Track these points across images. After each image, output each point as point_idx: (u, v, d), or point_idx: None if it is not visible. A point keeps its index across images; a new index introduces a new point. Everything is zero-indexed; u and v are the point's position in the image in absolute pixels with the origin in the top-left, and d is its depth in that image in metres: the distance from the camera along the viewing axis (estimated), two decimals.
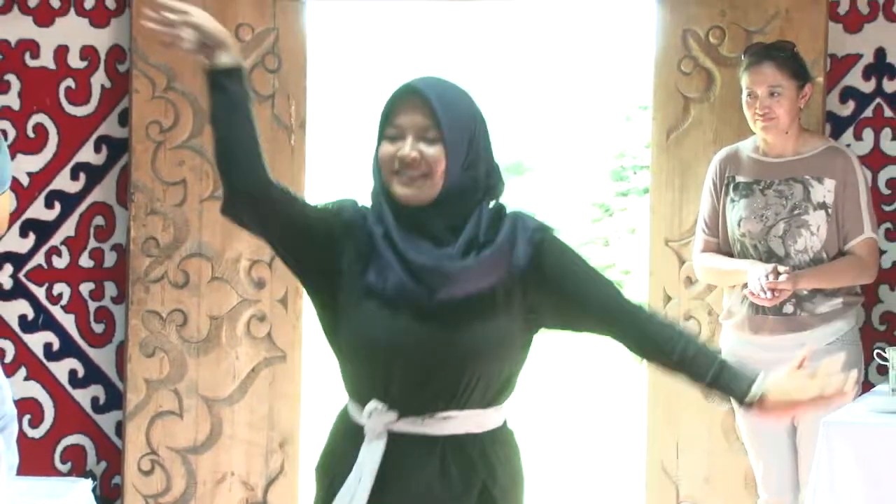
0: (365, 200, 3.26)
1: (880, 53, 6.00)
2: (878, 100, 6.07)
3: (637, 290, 8.24)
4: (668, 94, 6.01)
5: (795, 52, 5.48)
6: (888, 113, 6.04)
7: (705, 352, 3.19)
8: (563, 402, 14.44)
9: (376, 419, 3.14)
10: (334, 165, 22.89)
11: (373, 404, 3.13)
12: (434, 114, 3.09)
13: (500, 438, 3.22)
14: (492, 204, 3.20)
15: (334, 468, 3.21)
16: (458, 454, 3.14)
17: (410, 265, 3.08)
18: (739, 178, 5.47)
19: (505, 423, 3.24)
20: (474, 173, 3.16)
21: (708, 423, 5.88)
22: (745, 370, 3.16)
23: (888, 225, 5.79)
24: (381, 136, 3.15)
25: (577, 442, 11.62)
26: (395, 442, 3.12)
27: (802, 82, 5.41)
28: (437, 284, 3.07)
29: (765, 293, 5.15)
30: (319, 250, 3.18)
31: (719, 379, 3.15)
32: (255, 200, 3.16)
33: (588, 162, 24.70)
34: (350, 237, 3.17)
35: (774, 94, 5.33)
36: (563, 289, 3.20)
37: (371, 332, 3.12)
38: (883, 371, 5.32)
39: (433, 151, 3.10)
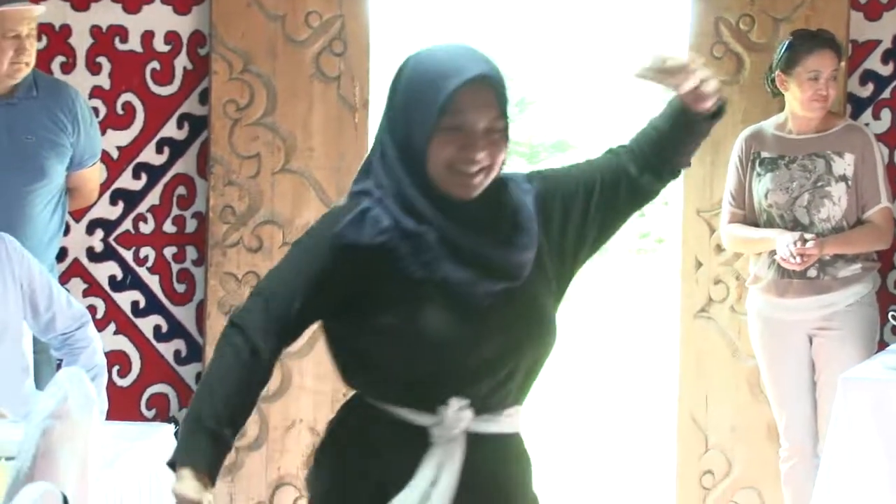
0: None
1: None
2: (895, 82, 6.03)
3: (670, 256, 8.23)
4: None
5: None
6: None
7: (651, 123, 2.97)
8: (600, 360, 14.38)
9: (454, 419, 2.73)
10: None
11: (455, 403, 2.72)
12: (502, 107, 2.70)
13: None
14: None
15: (381, 472, 2.78)
16: (519, 451, 2.90)
17: (482, 260, 2.72)
18: (765, 154, 5.52)
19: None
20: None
21: (735, 378, 5.92)
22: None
23: None
24: (436, 128, 2.64)
25: (614, 397, 11.57)
26: (468, 442, 2.76)
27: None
28: (517, 275, 2.74)
29: (794, 258, 5.16)
30: (343, 297, 2.77)
31: (668, 116, 2.94)
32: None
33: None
34: (367, 261, 2.73)
35: (835, 78, 5.35)
36: (578, 195, 2.89)
37: (450, 332, 2.72)
38: None
39: (499, 147, 2.71)
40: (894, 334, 5.64)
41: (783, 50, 5.38)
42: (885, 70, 6.10)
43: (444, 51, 2.76)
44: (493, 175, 2.70)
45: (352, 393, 2.87)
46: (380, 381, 2.79)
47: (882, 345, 5.60)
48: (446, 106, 2.62)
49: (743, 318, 5.84)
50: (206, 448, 2.61)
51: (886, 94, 6.09)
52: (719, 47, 6.04)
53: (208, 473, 2.59)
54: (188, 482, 2.56)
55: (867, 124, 5.84)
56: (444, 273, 2.69)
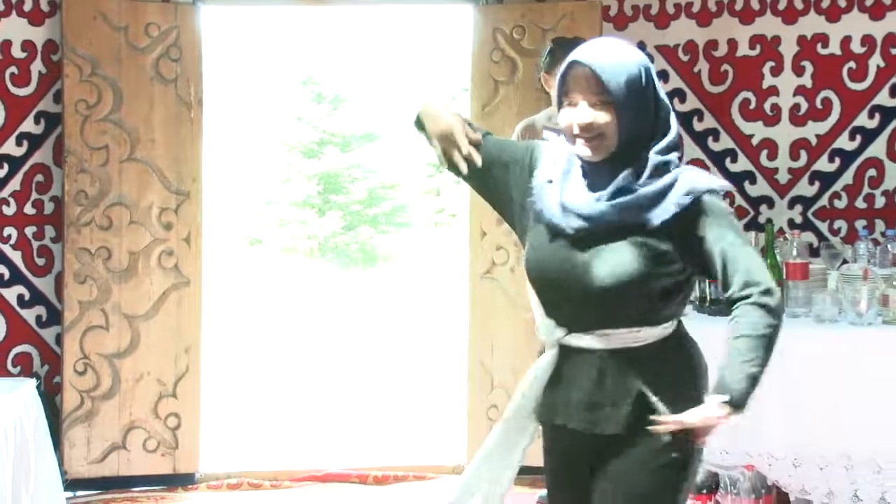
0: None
1: (641, 45, 6.09)
2: None
3: (461, 228, 8.27)
4: (482, 78, 6.17)
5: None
6: None
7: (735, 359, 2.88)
8: (408, 315, 14.46)
9: (548, 334, 3.00)
10: (226, 135, 22.67)
11: (546, 321, 3.01)
12: (601, 82, 2.86)
13: (660, 351, 2.96)
14: (663, 155, 2.92)
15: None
16: (614, 365, 2.94)
17: (563, 203, 2.94)
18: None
19: (670, 336, 2.99)
20: (645, 124, 2.92)
21: (514, 328, 6.11)
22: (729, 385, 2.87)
23: None
24: (561, 104, 2.96)
25: (416, 348, 11.65)
26: (564, 352, 2.98)
27: None
28: (574, 221, 2.91)
29: None
30: (511, 183, 3.10)
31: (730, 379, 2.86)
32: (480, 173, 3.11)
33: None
34: (529, 170, 3.07)
35: None
36: (699, 249, 2.91)
37: (536, 254, 3.00)
38: None
39: (605, 116, 2.87)
40: None
41: (546, 55, 5.48)
42: None
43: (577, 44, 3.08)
44: (610, 141, 2.89)
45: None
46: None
47: None
48: (562, 86, 2.94)
49: (519, 278, 5.92)
50: None
51: None
52: (497, 53, 6.18)
53: None
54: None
55: None
56: (542, 204, 2.98)
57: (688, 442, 2.85)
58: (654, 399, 2.91)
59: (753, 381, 2.81)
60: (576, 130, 2.91)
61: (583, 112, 2.89)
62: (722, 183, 2.98)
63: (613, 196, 2.89)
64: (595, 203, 2.90)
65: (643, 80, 2.90)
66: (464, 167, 3.09)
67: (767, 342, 2.84)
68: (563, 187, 2.97)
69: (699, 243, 2.90)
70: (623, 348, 2.94)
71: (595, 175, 2.94)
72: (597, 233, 2.89)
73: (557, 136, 3.08)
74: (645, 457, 2.94)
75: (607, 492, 3.01)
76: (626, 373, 2.94)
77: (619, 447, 2.98)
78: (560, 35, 5.90)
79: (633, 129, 2.89)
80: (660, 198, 2.88)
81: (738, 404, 2.79)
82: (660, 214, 2.87)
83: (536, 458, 3.25)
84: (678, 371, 2.99)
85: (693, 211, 2.88)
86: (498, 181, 3.12)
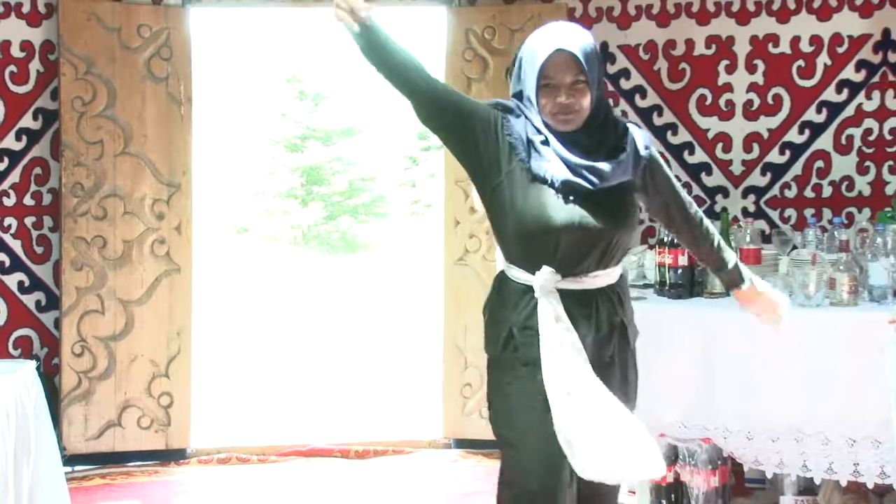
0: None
1: (604, 46, 6.12)
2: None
3: (436, 217, 8.27)
4: (455, 76, 6.16)
5: None
6: (610, 88, 6.24)
7: (727, 251, 3.49)
8: (387, 298, 14.45)
9: (547, 279, 3.11)
10: (215, 130, 22.59)
11: (545, 269, 3.11)
12: (581, 68, 3.09)
13: (623, 284, 3.30)
14: (611, 112, 3.25)
15: (508, 314, 3.19)
16: (604, 301, 3.20)
17: (571, 164, 3.10)
18: None
19: (624, 272, 3.34)
20: (603, 99, 3.22)
21: None
22: (742, 271, 3.52)
23: None
24: (539, 86, 3.11)
25: (394, 331, 11.64)
26: (560, 295, 3.14)
27: None
28: (594, 178, 3.11)
29: None
30: (478, 134, 3.18)
31: (733, 269, 3.49)
32: (428, 99, 3.17)
33: (400, 126, 24.70)
34: (498, 134, 3.17)
35: None
36: (661, 196, 3.35)
37: (543, 212, 3.10)
38: None
39: (581, 96, 3.10)
40: None
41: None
42: None
43: (543, 30, 3.21)
44: (583, 114, 3.11)
45: None
46: (508, 250, 3.23)
47: None
48: (542, 69, 3.09)
49: (491, 264, 5.93)
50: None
51: None
52: (469, 52, 6.18)
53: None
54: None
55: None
56: (540, 169, 3.11)
57: None
58: (628, 326, 3.25)
59: None
60: (555, 110, 3.11)
61: (564, 93, 3.09)
62: (648, 133, 3.32)
63: (609, 156, 3.14)
64: (600, 164, 3.12)
65: (599, 55, 3.20)
66: (358, 28, 3.12)
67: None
68: (557, 152, 3.12)
69: (658, 189, 3.32)
70: (605, 286, 3.20)
71: (575, 143, 3.13)
72: (603, 188, 3.12)
73: None
74: (631, 370, 3.31)
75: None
76: (610, 306, 3.21)
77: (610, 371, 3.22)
78: (527, 35, 5.94)
79: (599, 98, 3.17)
80: (633, 152, 3.20)
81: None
82: (634, 167, 3.21)
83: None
84: (628, 299, 3.33)
85: (649, 162, 3.27)
86: (461, 126, 3.19)
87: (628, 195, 3.23)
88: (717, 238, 3.48)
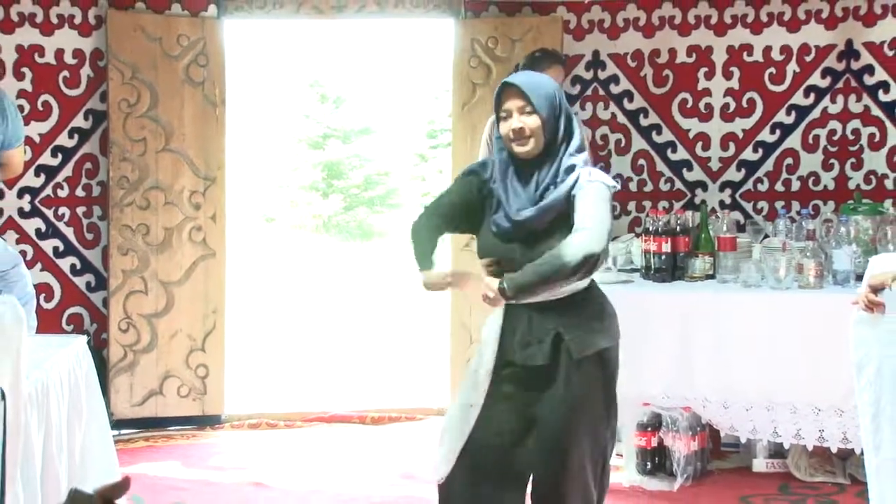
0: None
1: (596, 54, 6.08)
2: (594, 84, 6.20)
3: None
4: (462, 81, 6.15)
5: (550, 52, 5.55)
6: (601, 92, 6.16)
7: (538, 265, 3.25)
8: (397, 286, 14.43)
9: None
10: (246, 130, 22.57)
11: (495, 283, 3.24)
12: (526, 96, 3.22)
13: (573, 301, 3.25)
14: (573, 158, 3.23)
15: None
16: (537, 314, 3.22)
17: (509, 216, 3.21)
18: None
19: (583, 290, 3.27)
20: (559, 130, 3.25)
21: None
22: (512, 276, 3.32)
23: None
24: (498, 118, 3.28)
25: (406, 310, 11.62)
26: (508, 310, 3.25)
27: None
28: (519, 227, 3.20)
29: None
30: (475, 213, 3.34)
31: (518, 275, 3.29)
32: (453, 227, 3.45)
33: (411, 126, 24.65)
34: (481, 192, 3.32)
35: (561, 84, 5.41)
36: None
37: (486, 242, 3.30)
38: None
39: (531, 120, 3.22)
40: None
41: (521, 67, 5.38)
42: (587, 75, 6.35)
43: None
44: (538, 140, 3.21)
45: None
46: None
47: None
48: (498, 102, 3.26)
49: None
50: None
51: (588, 91, 6.27)
52: (474, 59, 6.17)
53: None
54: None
55: (576, 112, 5.94)
56: (495, 216, 3.25)
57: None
58: (566, 336, 3.20)
59: (535, 276, 3.10)
60: (511, 136, 3.23)
61: (514, 120, 3.22)
62: (605, 178, 3.23)
63: (540, 198, 3.19)
64: (524, 212, 3.18)
65: (556, 96, 3.26)
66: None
67: (558, 257, 3.07)
68: (505, 188, 3.25)
69: (573, 205, 3.22)
70: (544, 301, 3.20)
71: (525, 176, 3.24)
72: (528, 226, 3.19)
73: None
74: (575, 383, 3.23)
75: (552, 404, 3.23)
76: (546, 318, 3.22)
77: (547, 375, 3.24)
78: (528, 46, 5.95)
79: (552, 131, 3.22)
80: (567, 193, 3.19)
81: (508, 287, 3.11)
82: (565, 201, 3.18)
83: None
84: (586, 315, 3.27)
85: (580, 189, 3.22)
86: (474, 211, 3.33)
87: (553, 229, 3.19)
88: (552, 254, 3.15)
